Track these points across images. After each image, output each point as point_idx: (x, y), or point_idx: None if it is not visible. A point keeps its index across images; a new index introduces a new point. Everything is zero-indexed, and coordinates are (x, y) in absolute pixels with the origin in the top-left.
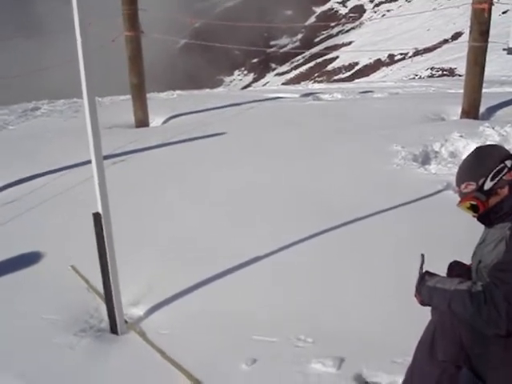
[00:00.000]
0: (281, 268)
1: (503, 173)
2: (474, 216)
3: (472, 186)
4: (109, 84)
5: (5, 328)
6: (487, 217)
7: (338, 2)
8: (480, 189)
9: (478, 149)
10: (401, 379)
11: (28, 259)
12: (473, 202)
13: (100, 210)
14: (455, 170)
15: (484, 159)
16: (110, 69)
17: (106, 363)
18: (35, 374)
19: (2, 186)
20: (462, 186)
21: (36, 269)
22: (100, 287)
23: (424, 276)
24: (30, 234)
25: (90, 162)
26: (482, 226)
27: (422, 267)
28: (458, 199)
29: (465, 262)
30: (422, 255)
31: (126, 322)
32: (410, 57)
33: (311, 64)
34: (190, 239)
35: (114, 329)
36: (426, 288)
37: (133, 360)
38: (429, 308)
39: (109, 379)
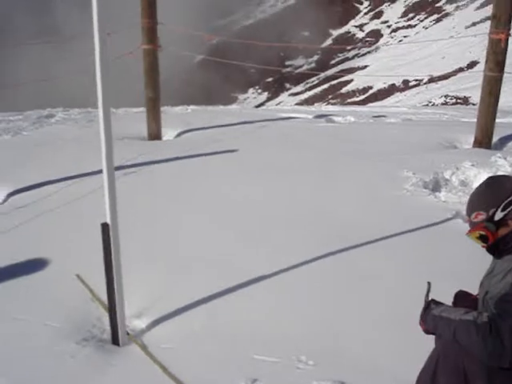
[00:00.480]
0: (285, 287)
1: None
2: (483, 246)
3: (482, 216)
4: (124, 96)
5: (6, 333)
6: (496, 247)
7: (355, 26)
8: (490, 219)
9: (490, 179)
10: None
11: (34, 266)
12: (482, 233)
13: (108, 221)
14: (465, 198)
15: (496, 189)
16: (125, 81)
17: (106, 374)
18: (35, 381)
19: (13, 191)
20: (473, 215)
21: (41, 276)
22: (104, 297)
23: (430, 304)
24: (38, 240)
25: (101, 171)
26: (490, 257)
27: (427, 295)
28: (468, 228)
29: (471, 291)
30: (429, 283)
31: (128, 333)
32: (424, 83)
33: (325, 86)
34: (196, 254)
35: (115, 340)
36: (431, 316)
37: (133, 372)
38: (432, 337)
39: None
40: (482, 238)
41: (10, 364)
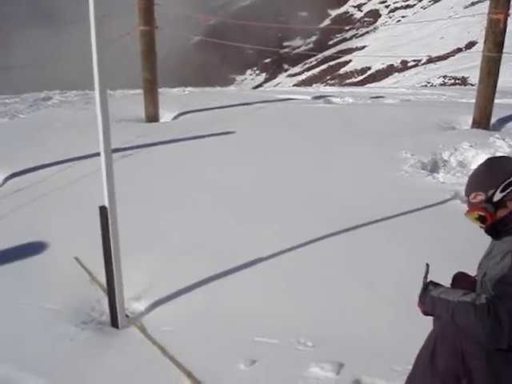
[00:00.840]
0: (284, 270)
1: None
2: (482, 227)
3: (481, 197)
4: (121, 77)
5: (6, 316)
6: (495, 229)
7: (353, 6)
8: (489, 200)
9: (490, 159)
10: None
11: (32, 249)
12: (481, 213)
13: (106, 204)
14: (463, 179)
15: (495, 170)
16: (122, 62)
17: (105, 356)
18: (34, 363)
19: (10, 174)
20: (471, 195)
21: (40, 259)
22: (103, 280)
23: (428, 286)
24: (36, 223)
25: (98, 154)
26: (489, 238)
27: (426, 277)
28: (467, 209)
29: (470, 273)
30: (427, 265)
31: (127, 316)
32: (423, 64)
33: (324, 67)
34: (195, 236)
35: (114, 322)
36: (429, 298)
37: (132, 355)
38: (431, 318)
39: (107, 372)
40: (481, 219)
41: (11, 347)
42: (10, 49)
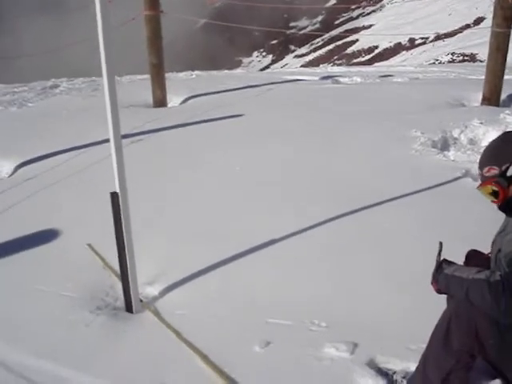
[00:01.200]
0: (297, 252)
1: None
2: (494, 202)
3: (495, 171)
4: (127, 63)
5: (21, 304)
6: (508, 205)
7: None
8: (503, 174)
9: (506, 134)
10: (414, 366)
11: (45, 237)
12: (494, 188)
13: (117, 190)
14: (474, 157)
15: (510, 145)
16: (128, 47)
17: (121, 341)
18: (50, 350)
19: (20, 163)
20: (485, 169)
21: (53, 246)
22: (116, 266)
23: (441, 264)
24: (48, 211)
25: (108, 140)
26: (501, 216)
27: (439, 255)
28: (479, 182)
29: (483, 250)
30: (440, 243)
31: (141, 300)
32: (431, 41)
33: (331, 47)
34: (207, 220)
35: (129, 307)
36: (443, 276)
37: (147, 339)
38: (444, 296)
39: (123, 357)
40: (494, 194)
41: (27, 333)
42: (16, 37)
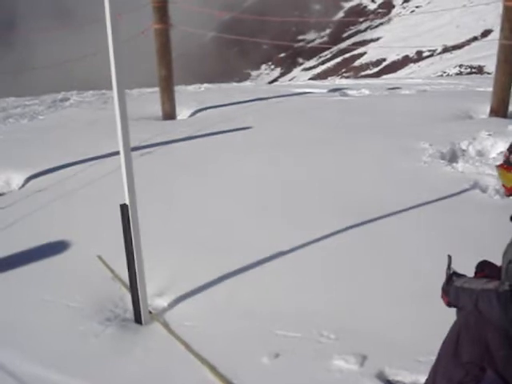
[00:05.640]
0: (305, 263)
1: None
2: (506, 193)
3: None
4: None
5: (31, 315)
6: None
7: None
8: None
9: None
10: (423, 378)
11: (55, 248)
12: None
13: (127, 202)
14: (482, 168)
15: None
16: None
17: (130, 352)
18: (59, 360)
19: (32, 175)
20: None
21: (63, 257)
22: (125, 277)
23: (452, 277)
24: (58, 223)
25: (117, 153)
26: (510, 227)
27: (449, 268)
28: (488, 194)
29: (494, 262)
30: (449, 256)
31: (150, 312)
32: (438, 54)
33: (339, 59)
34: (215, 231)
35: (138, 319)
36: (453, 288)
37: (156, 350)
38: (454, 309)
39: (132, 368)
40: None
41: (36, 344)
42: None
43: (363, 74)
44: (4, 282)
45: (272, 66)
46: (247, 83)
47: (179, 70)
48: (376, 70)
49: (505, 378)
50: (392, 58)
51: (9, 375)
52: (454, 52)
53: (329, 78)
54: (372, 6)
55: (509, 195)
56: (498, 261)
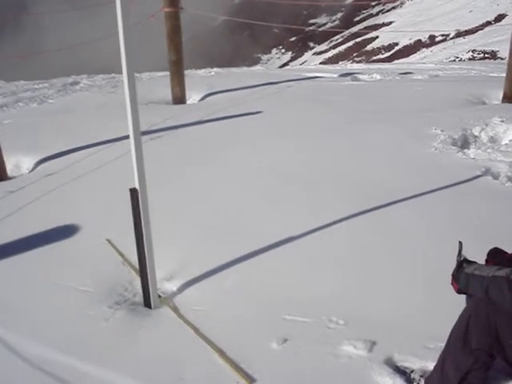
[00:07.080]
0: (316, 248)
1: None
2: None
3: None
4: (147, 60)
5: (41, 299)
6: None
7: None
8: None
9: None
10: (432, 365)
11: (65, 232)
12: None
13: (137, 186)
14: (494, 155)
15: None
16: (148, 45)
17: (139, 336)
18: (69, 344)
19: (41, 159)
20: None
21: (72, 242)
22: (135, 261)
23: (462, 263)
24: (67, 207)
25: (127, 137)
26: None
27: (460, 255)
28: (498, 184)
29: (505, 249)
30: (460, 243)
31: (159, 296)
32: (451, 38)
33: (350, 43)
34: (225, 216)
35: (147, 303)
36: (463, 275)
37: (165, 334)
38: (463, 296)
39: (141, 352)
40: None
41: (46, 327)
42: (38, 34)
43: (375, 58)
44: (14, 266)
45: (283, 50)
46: (258, 67)
47: (189, 54)
48: (388, 54)
49: None
50: (404, 42)
51: (19, 358)
52: (467, 37)
53: (340, 63)
54: None
55: None
56: (509, 248)
